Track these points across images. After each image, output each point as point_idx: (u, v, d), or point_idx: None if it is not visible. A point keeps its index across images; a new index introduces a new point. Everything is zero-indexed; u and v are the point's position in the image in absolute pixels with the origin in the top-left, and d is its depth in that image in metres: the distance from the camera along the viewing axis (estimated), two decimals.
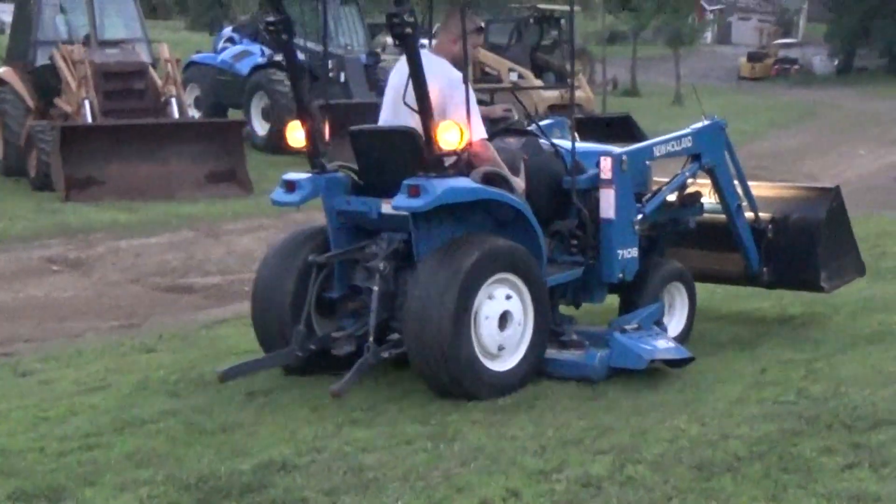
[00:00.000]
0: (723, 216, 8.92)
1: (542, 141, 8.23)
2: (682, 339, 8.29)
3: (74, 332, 10.12)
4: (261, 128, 24.63)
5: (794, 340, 8.35)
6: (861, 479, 5.37)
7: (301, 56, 28.22)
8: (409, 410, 6.75)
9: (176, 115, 19.45)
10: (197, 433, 6.53)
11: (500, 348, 7.20)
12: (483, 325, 7.08)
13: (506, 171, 7.50)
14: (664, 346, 7.74)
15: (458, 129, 7.07)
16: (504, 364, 7.22)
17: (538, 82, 28.80)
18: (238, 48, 26.28)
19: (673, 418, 6.36)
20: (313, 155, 7.85)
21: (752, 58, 72.01)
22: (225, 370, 7.46)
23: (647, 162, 8.37)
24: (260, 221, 16.41)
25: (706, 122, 8.90)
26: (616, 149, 8.21)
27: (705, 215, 8.89)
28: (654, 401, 6.75)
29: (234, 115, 25.28)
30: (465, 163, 7.26)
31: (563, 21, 31.62)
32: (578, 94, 27.94)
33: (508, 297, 7.22)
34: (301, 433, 6.43)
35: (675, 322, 8.49)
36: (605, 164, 7.97)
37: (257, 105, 24.72)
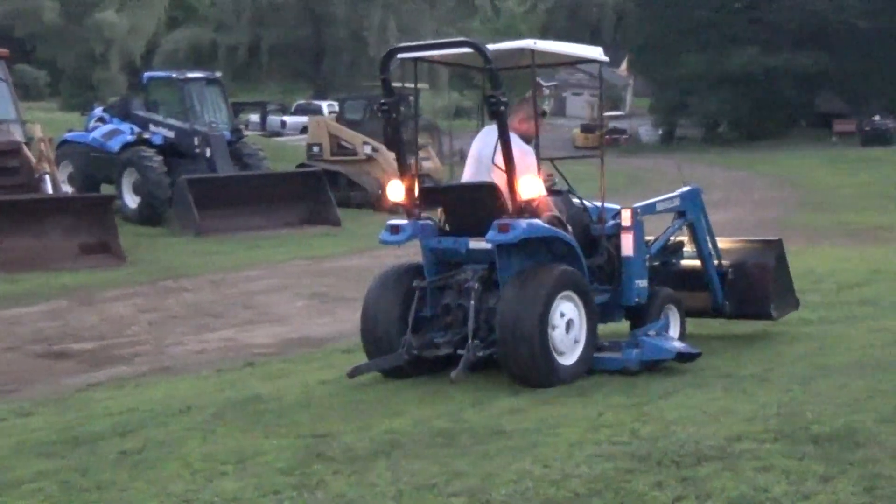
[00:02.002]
0: (692, 262, 10.58)
1: (573, 199, 9.67)
2: None
3: None
4: (132, 201, 24.54)
5: (626, 386, 8.49)
6: None
7: (167, 133, 27.95)
8: (275, 463, 6.69)
9: (49, 190, 19.14)
10: (74, 491, 6.38)
11: (567, 347, 8.71)
12: (556, 329, 8.61)
13: (562, 217, 9.03)
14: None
15: (536, 183, 8.66)
16: (569, 359, 8.76)
17: (390, 154, 28.78)
18: (108, 127, 25.96)
19: (519, 461, 6.41)
20: (410, 206, 9.22)
21: (585, 129, 73.29)
22: (353, 368, 8.89)
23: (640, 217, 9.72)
24: (132, 289, 16.16)
25: (687, 188, 10.63)
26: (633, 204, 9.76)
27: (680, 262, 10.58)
28: (501, 446, 6.79)
29: (106, 189, 24.97)
30: (532, 210, 8.72)
31: (412, 98, 31.82)
32: (428, 164, 28.12)
33: (572, 310, 8.74)
34: (172, 487, 6.32)
35: (672, 333, 9.81)
36: (626, 215, 9.57)
37: (128, 180, 24.60)
